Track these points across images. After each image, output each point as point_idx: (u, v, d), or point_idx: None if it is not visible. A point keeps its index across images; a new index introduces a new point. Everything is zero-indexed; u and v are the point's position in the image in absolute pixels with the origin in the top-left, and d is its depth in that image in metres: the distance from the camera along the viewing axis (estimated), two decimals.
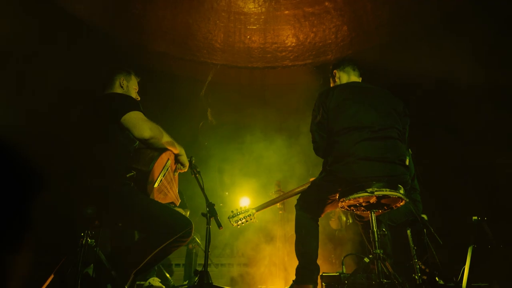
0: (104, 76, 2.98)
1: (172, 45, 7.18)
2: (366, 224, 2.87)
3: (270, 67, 7.59)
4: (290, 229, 5.29)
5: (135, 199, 2.46)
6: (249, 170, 6.88)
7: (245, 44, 7.63)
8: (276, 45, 7.64)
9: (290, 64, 7.60)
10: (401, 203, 2.42)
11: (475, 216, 2.77)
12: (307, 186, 3.01)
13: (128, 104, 2.60)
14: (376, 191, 2.27)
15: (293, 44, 7.61)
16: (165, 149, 2.66)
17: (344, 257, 2.88)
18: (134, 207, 2.44)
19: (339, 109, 2.58)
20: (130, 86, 2.99)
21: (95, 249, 2.42)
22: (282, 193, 5.16)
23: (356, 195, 2.33)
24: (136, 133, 2.51)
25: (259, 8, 7.56)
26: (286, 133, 6.69)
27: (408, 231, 3.10)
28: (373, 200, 2.36)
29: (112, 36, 6.48)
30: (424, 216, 3.54)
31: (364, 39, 7.24)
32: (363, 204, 2.43)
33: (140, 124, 2.52)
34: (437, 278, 2.82)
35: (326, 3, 7.30)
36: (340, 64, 2.99)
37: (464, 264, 2.56)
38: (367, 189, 2.28)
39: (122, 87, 2.93)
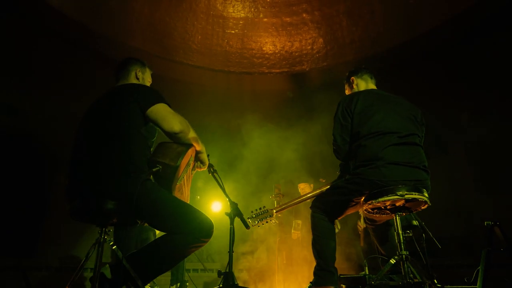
0: (118, 67, 2.79)
1: (148, 42, 6.92)
2: (378, 228, 2.96)
3: (246, 72, 7.59)
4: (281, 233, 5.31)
5: (159, 195, 2.31)
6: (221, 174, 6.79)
7: (223, 47, 7.58)
8: (253, 51, 7.68)
9: (266, 71, 7.66)
10: (423, 207, 2.54)
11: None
12: (324, 189, 3.02)
13: (154, 95, 2.45)
14: (406, 194, 2.36)
15: (270, 51, 7.70)
16: (190, 145, 2.54)
17: (366, 259, 2.91)
18: (159, 203, 2.29)
19: (365, 115, 2.66)
20: (146, 78, 2.83)
21: (113, 247, 2.24)
22: (281, 196, 5.13)
23: (386, 198, 2.40)
24: (166, 126, 2.36)
25: (238, 13, 7.57)
26: (262, 139, 6.70)
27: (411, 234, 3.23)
28: (400, 203, 2.45)
29: (89, 29, 6.10)
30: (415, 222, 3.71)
31: (339, 53, 7.53)
32: (388, 207, 2.52)
33: (170, 117, 2.38)
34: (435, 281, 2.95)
35: (304, 15, 7.52)
36: (358, 71, 3.10)
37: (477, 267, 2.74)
38: (397, 192, 2.36)
39: (138, 78, 2.76)
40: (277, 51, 7.68)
